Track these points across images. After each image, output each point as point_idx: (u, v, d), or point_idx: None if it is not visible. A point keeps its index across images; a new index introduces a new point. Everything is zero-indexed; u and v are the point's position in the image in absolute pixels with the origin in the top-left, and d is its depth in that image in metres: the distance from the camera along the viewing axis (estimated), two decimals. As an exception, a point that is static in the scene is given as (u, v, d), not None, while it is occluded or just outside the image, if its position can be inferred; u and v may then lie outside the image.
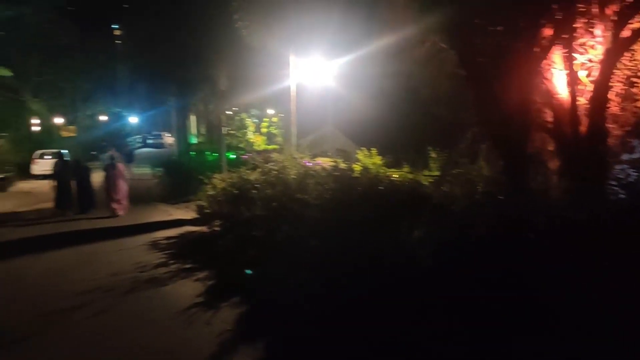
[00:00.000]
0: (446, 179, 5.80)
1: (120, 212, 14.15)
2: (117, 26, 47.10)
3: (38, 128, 35.79)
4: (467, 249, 4.15)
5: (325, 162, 11.37)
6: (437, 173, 7.94)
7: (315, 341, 4.70)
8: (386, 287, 4.58)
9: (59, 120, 38.32)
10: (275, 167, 9.82)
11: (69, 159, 16.99)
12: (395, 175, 7.07)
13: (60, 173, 15.01)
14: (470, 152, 7.05)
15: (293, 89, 14.24)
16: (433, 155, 9.29)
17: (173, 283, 7.07)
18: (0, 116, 29.45)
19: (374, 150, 9.23)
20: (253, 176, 9.93)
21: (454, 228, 4.26)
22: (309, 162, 10.89)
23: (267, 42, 13.71)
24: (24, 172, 28.29)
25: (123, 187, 14.47)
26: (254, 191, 8.73)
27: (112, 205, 14.11)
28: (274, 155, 10.94)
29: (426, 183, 6.05)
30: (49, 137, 35.33)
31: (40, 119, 36.26)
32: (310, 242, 5.51)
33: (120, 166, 14.92)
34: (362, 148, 9.71)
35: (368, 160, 8.99)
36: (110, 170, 14.45)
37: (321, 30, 13.89)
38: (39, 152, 28.75)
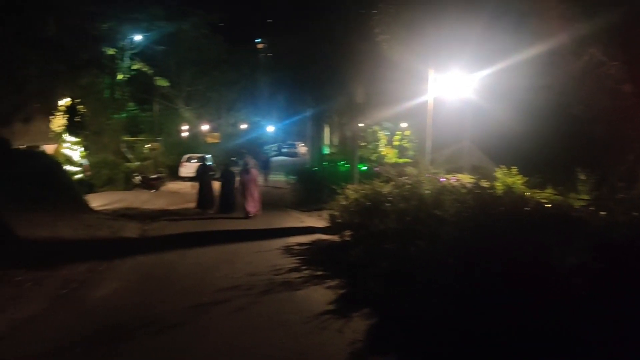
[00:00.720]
0: (603, 203, 5.31)
1: (252, 214, 15.02)
2: (260, 40, 49.95)
3: (186, 134, 39.02)
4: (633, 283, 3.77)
5: (460, 178, 11.05)
6: (586, 197, 7.33)
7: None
8: (531, 313, 4.30)
9: (205, 127, 41.59)
10: (410, 181, 9.76)
11: (211, 163, 18.41)
12: (540, 196, 6.65)
13: (202, 175, 16.53)
14: (631, 175, 6.41)
15: (430, 103, 14.04)
16: (582, 177, 8.60)
17: (305, 288, 7.28)
18: (158, 122, 32.59)
19: (513, 169, 8.78)
20: (386, 189, 9.94)
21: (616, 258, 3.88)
22: (443, 178, 10.66)
23: (406, 56, 13.70)
24: (173, 174, 31.10)
25: (255, 191, 15.35)
26: (387, 204, 8.73)
27: (246, 208, 15.02)
28: (408, 169, 10.85)
29: (577, 207, 5.61)
30: (195, 143, 38.41)
31: (189, 125, 39.59)
32: (447, 259, 5.35)
33: (254, 172, 15.86)
34: (500, 166, 9.28)
35: (508, 179, 8.58)
36: (244, 175, 15.36)
37: (463, 42, 13.56)
38: (187, 156, 31.38)
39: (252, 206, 15.10)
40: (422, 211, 7.46)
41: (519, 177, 8.59)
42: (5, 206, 12.07)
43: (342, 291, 7.07)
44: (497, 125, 14.96)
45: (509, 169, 8.83)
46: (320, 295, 6.89)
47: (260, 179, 23.10)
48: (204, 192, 16.33)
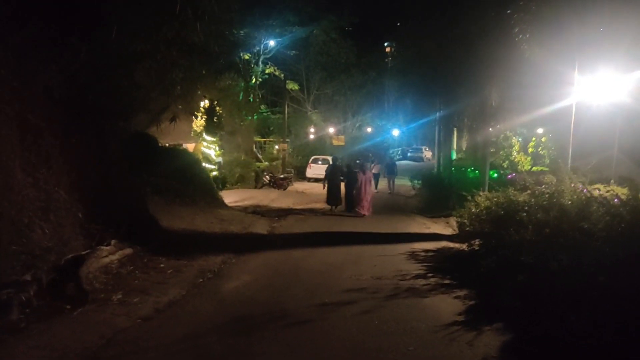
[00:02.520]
0: None
1: (364, 213, 16.08)
2: (387, 44, 49.79)
3: (313, 136, 40.02)
4: None
5: (605, 190, 10.06)
6: None
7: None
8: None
9: (331, 130, 42.39)
10: (548, 190, 9.07)
11: (340, 163, 18.88)
12: None
13: (331, 175, 17.27)
14: None
15: (574, 108, 12.95)
16: None
17: (432, 296, 7.04)
18: (287, 124, 33.82)
19: None
20: (522, 197, 9.35)
21: None
22: (585, 189, 9.78)
23: (547, 57, 12.78)
24: (300, 175, 32.08)
25: (369, 192, 16.45)
26: (523, 214, 8.18)
27: (358, 207, 16.14)
28: (547, 178, 10.10)
29: None
30: (321, 145, 39.26)
31: (315, 128, 40.59)
32: (597, 277, 4.84)
33: (368, 173, 16.97)
34: None
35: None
36: (359, 176, 16.33)
37: (615, 39, 12.36)
38: (313, 157, 32.19)
39: (363, 206, 16.11)
40: (564, 223, 6.87)
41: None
42: (152, 198, 13.22)
43: (471, 302, 6.72)
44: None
45: None
46: (448, 305, 6.62)
47: (380, 184, 23.15)
48: (333, 190, 17.16)
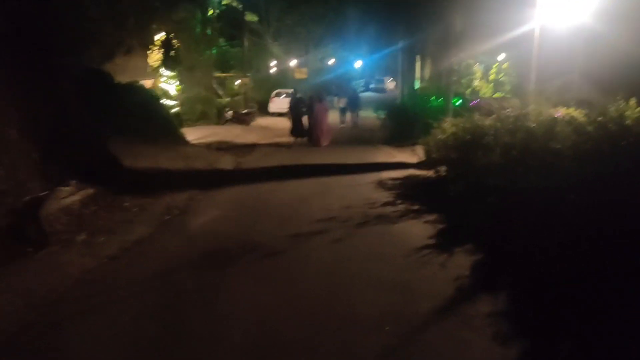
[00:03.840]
0: None
1: (324, 144, 16.70)
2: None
3: (275, 70, 39.08)
4: None
5: (566, 113, 10.16)
6: None
7: (563, 301, 4.21)
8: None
9: (293, 63, 41.46)
10: (514, 114, 9.08)
11: (301, 95, 18.84)
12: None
13: (294, 107, 17.74)
14: None
15: (537, 31, 12.83)
16: None
17: (402, 222, 7.09)
18: (247, 58, 32.81)
19: (632, 101, 7.76)
20: (487, 122, 9.33)
21: None
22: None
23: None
24: (263, 110, 31.49)
25: (325, 122, 17.03)
26: (489, 138, 8.18)
27: (316, 136, 16.77)
28: (512, 102, 10.10)
29: None
30: (284, 79, 38.45)
31: (277, 61, 39.58)
32: (566, 194, 4.88)
33: (325, 103, 17.59)
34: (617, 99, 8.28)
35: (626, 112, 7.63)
36: (316, 106, 16.92)
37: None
38: (276, 91, 31.54)
39: (322, 135, 16.74)
40: (531, 144, 6.89)
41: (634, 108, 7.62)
42: (112, 138, 12.73)
43: (441, 226, 6.80)
44: (616, 52, 13.51)
45: (627, 101, 7.86)
46: (419, 230, 6.67)
47: (346, 117, 22.85)
48: (296, 122, 17.53)
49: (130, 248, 6.08)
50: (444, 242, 6.05)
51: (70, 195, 7.73)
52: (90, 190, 8.30)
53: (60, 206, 7.30)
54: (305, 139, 17.27)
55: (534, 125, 7.94)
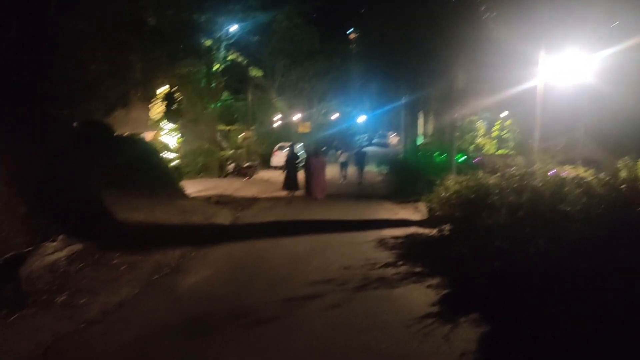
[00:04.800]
0: None
1: (319, 197, 16.84)
2: (351, 30, 49.31)
3: (279, 123, 39.33)
4: None
5: (572, 172, 9.91)
6: None
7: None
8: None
9: (296, 117, 41.81)
10: (519, 172, 8.82)
11: (302, 151, 19.04)
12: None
13: (289, 161, 17.74)
14: None
15: (540, 88, 12.75)
16: None
17: (403, 286, 6.67)
18: (251, 111, 33.07)
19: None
20: (492, 180, 9.07)
21: None
22: (552, 171, 9.60)
23: (514, 36, 12.54)
24: (266, 163, 31.45)
25: (321, 176, 17.23)
26: (494, 197, 7.88)
27: (312, 190, 16.96)
28: (517, 160, 9.88)
29: None
30: (287, 133, 38.66)
31: (281, 115, 39.91)
32: (578, 263, 4.51)
33: (323, 159, 17.83)
34: (624, 158, 8.01)
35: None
36: (312, 160, 17.20)
37: (582, 19, 12.20)
38: (279, 145, 31.58)
39: (316, 191, 16.90)
40: (538, 205, 6.58)
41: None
42: (107, 190, 12.48)
43: (445, 291, 6.37)
44: (620, 111, 13.39)
45: (635, 161, 7.57)
46: (421, 295, 6.25)
47: (347, 172, 22.59)
48: (290, 176, 17.48)
49: (111, 311, 5.68)
50: (448, 310, 5.63)
51: (55, 252, 7.38)
52: (78, 246, 7.96)
53: (44, 263, 6.93)
54: (296, 193, 17.35)
55: (540, 184, 7.67)
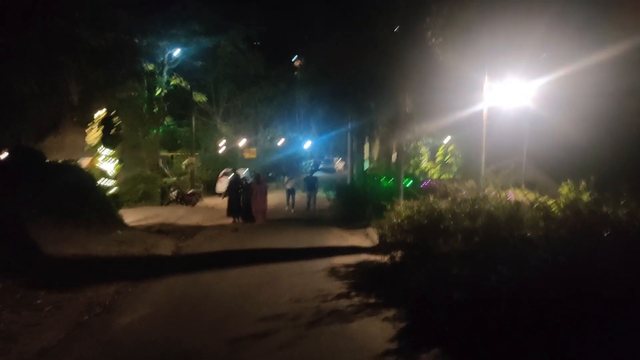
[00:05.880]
0: None
1: (259, 222, 17.25)
2: (296, 57, 49.60)
3: (224, 149, 38.62)
4: None
5: (518, 195, 9.93)
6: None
7: None
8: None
9: (242, 143, 41.24)
10: (470, 196, 8.70)
11: (247, 176, 19.18)
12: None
13: (231, 187, 18.21)
14: None
15: (485, 113, 12.90)
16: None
17: (359, 320, 6.26)
18: (195, 137, 32.27)
19: (583, 185, 7.43)
20: (444, 205, 8.89)
21: None
22: (511, 194, 9.58)
23: (460, 62, 12.65)
24: (211, 189, 30.59)
25: (262, 201, 17.69)
26: (448, 222, 7.66)
27: (252, 214, 17.37)
28: (469, 183, 9.79)
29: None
30: (233, 158, 38.00)
31: (226, 140, 39.25)
32: (548, 292, 4.26)
33: (264, 185, 18.33)
34: (563, 181, 8.00)
35: (572, 195, 7.28)
36: (254, 186, 17.77)
37: (521, 47, 12.48)
38: (224, 171, 30.88)
39: (258, 215, 17.39)
40: (493, 230, 6.39)
41: (587, 194, 7.27)
42: (35, 221, 11.52)
43: (402, 324, 6.01)
44: (557, 136, 13.71)
45: (575, 183, 7.53)
46: (378, 329, 5.86)
47: (294, 199, 22.13)
48: (232, 201, 17.94)
49: (30, 361, 4.97)
50: (407, 346, 5.27)
51: (-32, 293, 6.57)
52: (-4, 285, 7.15)
53: (-47, 307, 6.13)
54: (241, 220, 17.58)
55: (494, 209, 7.53)
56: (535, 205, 5.95)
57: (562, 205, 5.42)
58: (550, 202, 5.80)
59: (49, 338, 5.59)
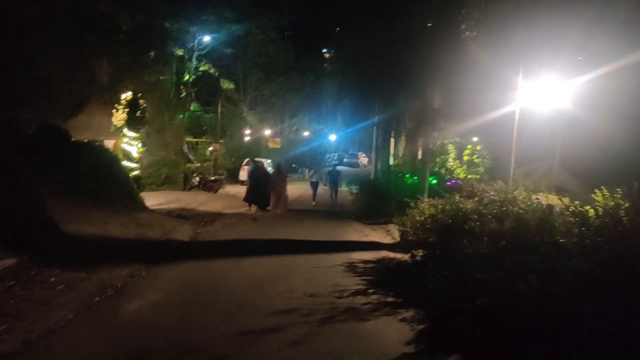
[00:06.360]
0: None
1: (279, 212, 17.19)
2: (326, 50, 49.30)
3: (248, 138, 38.59)
4: None
5: (547, 200, 9.50)
6: None
7: None
8: None
9: (267, 132, 41.15)
10: (498, 198, 8.34)
11: (257, 165, 19.61)
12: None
13: (252, 175, 18.26)
14: None
15: (517, 113, 12.44)
16: None
17: (375, 319, 6.00)
18: (221, 124, 32.25)
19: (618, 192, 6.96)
20: (470, 205, 8.55)
21: None
22: (539, 197, 9.18)
23: (492, 60, 12.22)
24: (234, 177, 30.58)
25: (283, 191, 17.62)
26: (474, 223, 7.33)
27: (272, 204, 17.39)
28: (498, 184, 9.41)
29: None
30: (257, 147, 37.95)
31: (251, 129, 39.20)
32: (581, 305, 3.94)
33: (283, 173, 18.40)
34: (598, 188, 7.53)
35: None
36: (275, 176, 17.84)
37: (559, 45, 12.00)
38: (247, 159, 30.80)
39: (275, 205, 17.30)
40: (526, 234, 6.05)
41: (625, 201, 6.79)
42: (57, 199, 11.54)
43: (421, 326, 5.74)
44: (594, 138, 13.18)
45: (612, 192, 7.06)
46: (394, 331, 5.59)
47: (317, 193, 21.81)
48: (253, 190, 17.91)
49: (35, 342, 4.83)
50: (425, 350, 5.00)
51: (-19, 267, 6.50)
52: (10, 261, 7.09)
53: (-37, 280, 6.06)
54: (256, 208, 17.60)
55: (522, 211, 7.18)
56: (571, 210, 5.56)
57: (600, 212, 5.02)
58: (587, 207, 5.41)
59: (56, 318, 5.46)
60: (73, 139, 14.74)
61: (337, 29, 33.22)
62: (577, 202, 7.90)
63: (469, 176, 24.16)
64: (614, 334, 3.65)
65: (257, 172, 18.31)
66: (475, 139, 26.14)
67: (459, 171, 25.96)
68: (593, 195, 7.67)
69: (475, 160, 26.15)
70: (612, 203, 5.40)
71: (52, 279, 6.89)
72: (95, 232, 10.46)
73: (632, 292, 3.92)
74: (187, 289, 7.15)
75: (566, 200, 9.36)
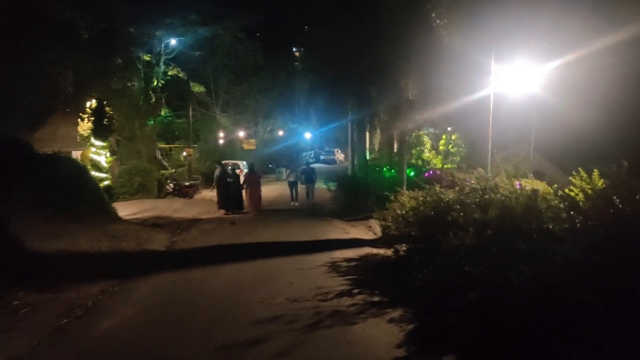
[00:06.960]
0: None
1: (252, 213, 17.09)
2: (296, 48, 49.00)
3: (223, 141, 38.02)
4: None
5: (528, 184, 9.36)
6: None
7: None
8: None
9: (241, 134, 40.62)
10: (480, 186, 8.15)
11: (242, 168, 18.78)
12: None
13: (220, 178, 17.78)
14: None
15: (491, 99, 12.30)
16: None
17: (362, 322, 5.72)
18: (194, 128, 31.65)
19: (595, 173, 6.83)
20: (451, 195, 8.34)
21: None
22: (519, 183, 9.01)
23: (465, 45, 12.04)
24: (209, 181, 30.01)
25: (256, 191, 17.50)
26: (457, 214, 7.11)
27: (248, 206, 17.40)
28: (479, 171, 9.24)
29: None
30: (232, 150, 37.40)
31: (225, 132, 38.63)
32: (583, 296, 3.69)
33: (256, 174, 18.21)
34: (573, 171, 7.39)
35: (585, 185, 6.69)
36: (247, 177, 17.71)
37: (530, 30, 11.88)
38: (223, 162, 30.23)
39: (251, 206, 17.32)
40: (507, 222, 5.84)
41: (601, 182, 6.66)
42: (22, 215, 10.99)
43: (410, 327, 5.47)
44: (565, 123, 13.11)
45: (588, 173, 6.91)
46: (383, 333, 5.32)
47: (296, 193, 21.39)
48: (223, 193, 17.65)
49: (-5, 374, 4.44)
50: (418, 352, 4.73)
51: (-63, 294, 6.04)
52: (-30, 286, 6.63)
53: None
54: (232, 211, 17.29)
55: (504, 199, 6.98)
56: (559, 194, 5.35)
57: (590, 193, 4.82)
58: (575, 190, 5.21)
59: (19, 345, 5.06)
60: (37, 152, 14.13)
61: (306, 27, 32.94)
62: (555, 185, 7.79)
63: (446, 166, 24.10)
64: (618, 322, 3.42)
65: (225, 176, 17.83)
66: (449, 128, 26.08)
67: (435, 161, 25.90)
68: (571, 178, 7.56)
69: (451, 149, 26.10)
70: (601, 184, 5.23)
71: (15, 303, 6.47)
72: (64, 247, 9.98)
73: (630, 275, 3.70)
74: (164, 302, 6.76)
75: (543, 184, 9.28)
